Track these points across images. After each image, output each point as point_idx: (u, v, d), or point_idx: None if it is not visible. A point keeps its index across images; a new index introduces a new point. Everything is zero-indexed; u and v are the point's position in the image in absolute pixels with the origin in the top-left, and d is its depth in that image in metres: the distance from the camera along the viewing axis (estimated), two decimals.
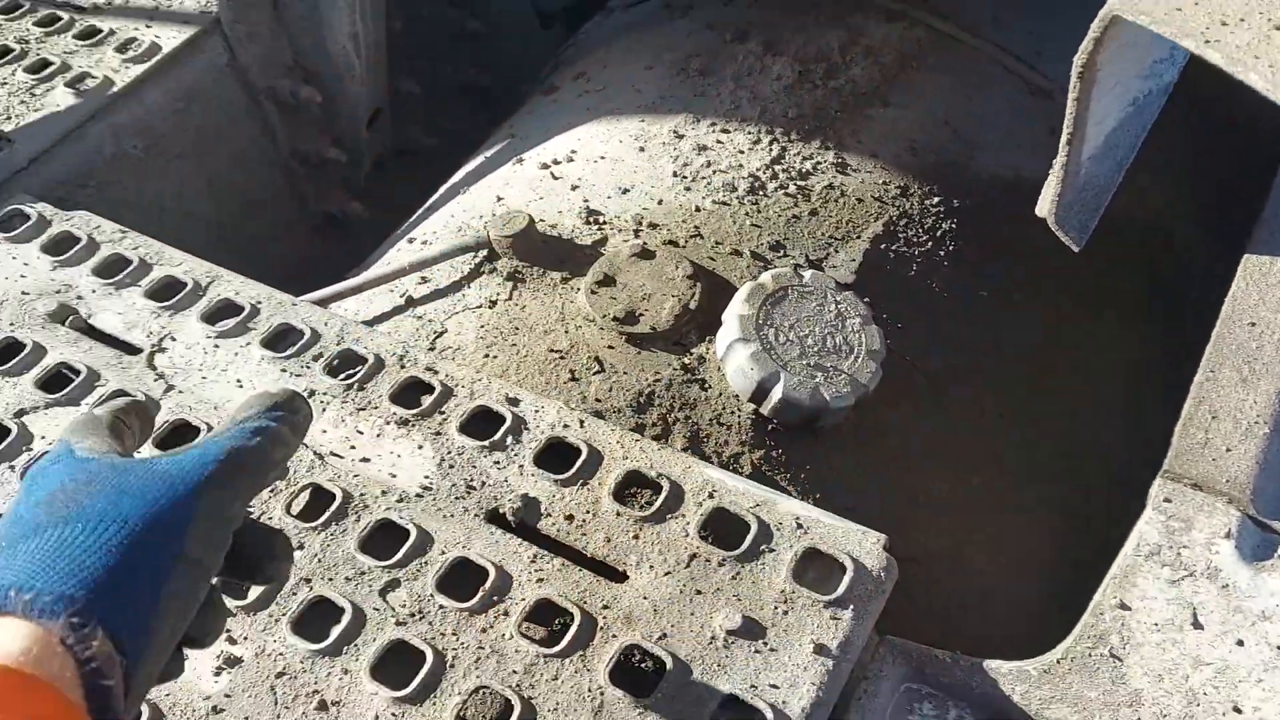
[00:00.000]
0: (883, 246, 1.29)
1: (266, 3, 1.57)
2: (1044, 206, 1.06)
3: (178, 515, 0.61)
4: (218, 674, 0.89)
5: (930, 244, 1.32)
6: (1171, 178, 1.51)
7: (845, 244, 1.29)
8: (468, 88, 2.04)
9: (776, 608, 0.89)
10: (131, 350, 1.15)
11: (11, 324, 1.18)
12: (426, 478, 0.99)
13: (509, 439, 1.01)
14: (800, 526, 0.94)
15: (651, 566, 0.92)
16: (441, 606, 0.90)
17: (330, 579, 0.92)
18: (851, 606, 0.88)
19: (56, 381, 1.12)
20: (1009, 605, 1.20)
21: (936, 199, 1.35)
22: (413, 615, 0.90)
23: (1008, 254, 1.37)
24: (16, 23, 1.61)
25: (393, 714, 0.85)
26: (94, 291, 1.21)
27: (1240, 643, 0.80)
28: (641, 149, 1.38)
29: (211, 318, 1.16)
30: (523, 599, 0.90)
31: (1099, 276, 1.38)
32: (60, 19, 1.60)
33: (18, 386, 1.12)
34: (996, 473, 1.25)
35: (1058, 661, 0.85)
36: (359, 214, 1.79)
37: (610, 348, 1.16)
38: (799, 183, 1.33)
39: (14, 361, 1.14)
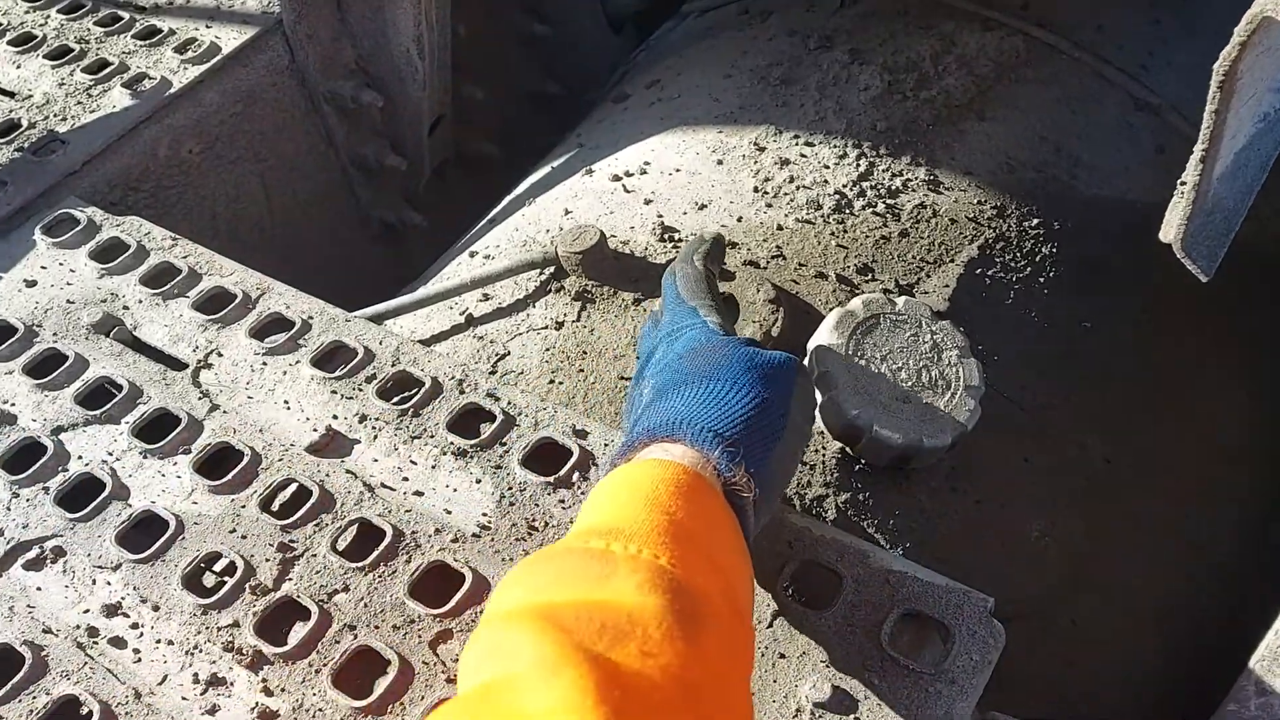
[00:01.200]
0: (978, 271, 1.19)
1: (329, 3, 1.52)
2: (1169, 232, 0.96)
3: (787, 391, 0.80)
4: None
5: (1029, 269, 1.22)
6: None
7: (938, 268, 1.19)
8: (535, 95, 1.97)
9: (870, 677, 0.79)
10: (177, 365, 1.08)
11: (54, 334, 1.13)
12: (485, 515, 0.91)
13: (575, 475, 0.93)
14: (892, 583, 0.85)
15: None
16: None
17: (376, 627, 0.85)
18: (955, 680, 0.79)
19: (97, 396, 1.06)
20: (1125, 664, 1.09)
21: (1035, 220, 1.25)
22: None
23: (1113, 281, 1.26)
24: (77, 22, 1.57)
25: None
26: (140, 302, 1.15)
27: None
28: (720, 162, 1.30)
29: (260, 333, 1.09)
30: None
31: (1215, 309, 1.27)
32: (121, 19, 1.56)
33: (57, 401, 1.06)
34: (1100, 519, 1.14)
35: None
36: (418, 224, 1.72)
37: None
38: (888, 201, 1.24)
39: (55, 374, 1.08)
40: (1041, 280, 1.21)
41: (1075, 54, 1.41)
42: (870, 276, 1.17)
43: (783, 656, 0.81)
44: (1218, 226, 1.00)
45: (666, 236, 1.21)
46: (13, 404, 1.07)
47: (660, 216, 1.23)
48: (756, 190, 1.25)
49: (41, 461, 1.01)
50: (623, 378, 1.07)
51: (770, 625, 0.83)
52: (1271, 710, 0.72)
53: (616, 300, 1.14)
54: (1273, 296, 1.35)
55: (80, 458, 1.01)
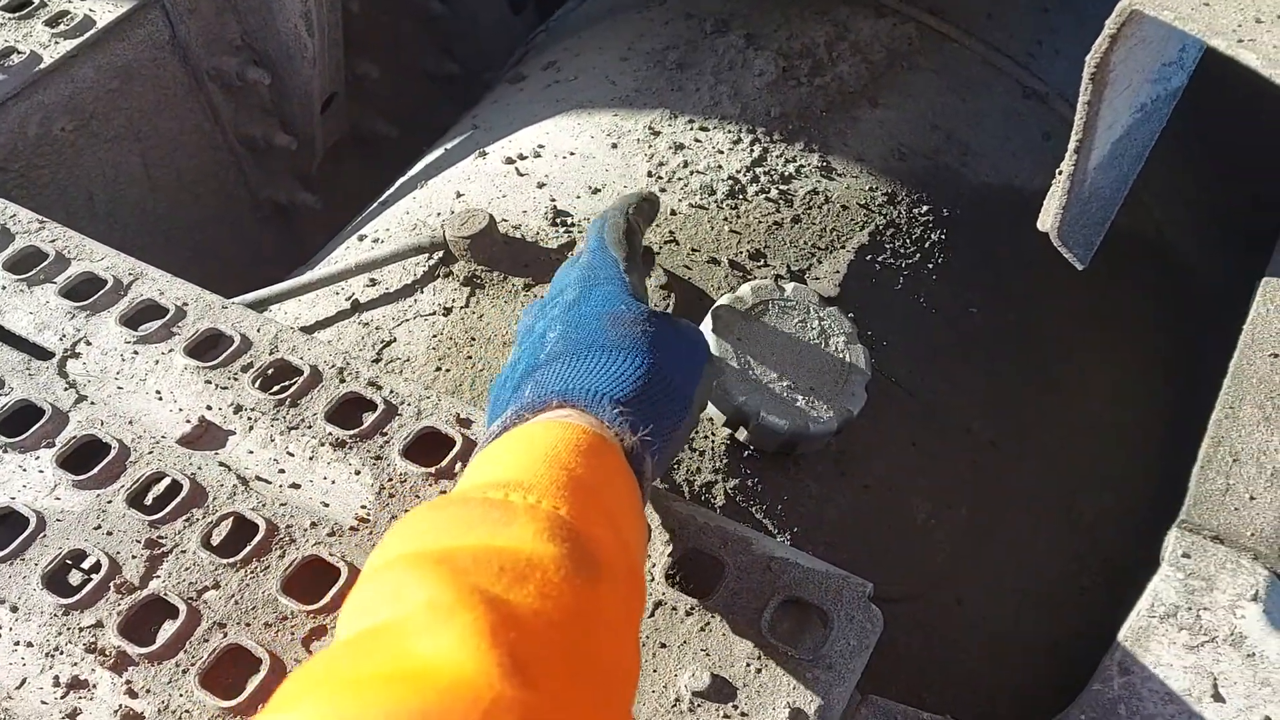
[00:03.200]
0: (868, 258, 1.20)
1: None
2: (1046, 221, 0.97)
3: (693, 373, 0.83)
4: None
5: (918, 256, 1.23)
6: (1178, 191, 1.43)
7: (829, 254, 1.20)
8: (434, 75, 1.93)
9: (749, 665, 0.80)
10: (42, 355, 1.03)
11: None
12: (363, 508, 0.89)
13: (458, 466, 0.91)
14: (775, 570, 0.85)
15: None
16: None
17: (248, 624, 0.82)
18: (832, 665, 0.79)
19: None
20: (1009, 642, 1.12)
21: (926, 207, 1.27)
22: None
23: (1001, 268, 1.28)
24: None
25: None
26: (4, 288, 1.09)
27: (1267, 719, 0.71)
28: (614, 146, 1.29)
29: (132, 321, 1.05)
30: None
31: (1101, 295, 1.30)
32: None
33: None
34: (987, 501, 1.16)
35: None
36: (311, 205, 1.68)
37: None
38: (781, 187, 1.24)
39: None
40: (930, 266, 1.23)
41: (966, 42, 1.43)
42: (763, 262, 1.17)
43: (664, 646, 0.81)
44: (1094, 215, 1.02)
45: (559, 221, 1.19)
46: None
47: (553, 200, 1.22)
48: (650, 175, 1.24)
49: None
50: None
51: (652, 615, 0.83)
52: (1134, 689, 0.74)
53: (506, 286, 1.12)
54: (1157, 281, 1.39)
55: None
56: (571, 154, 1.28)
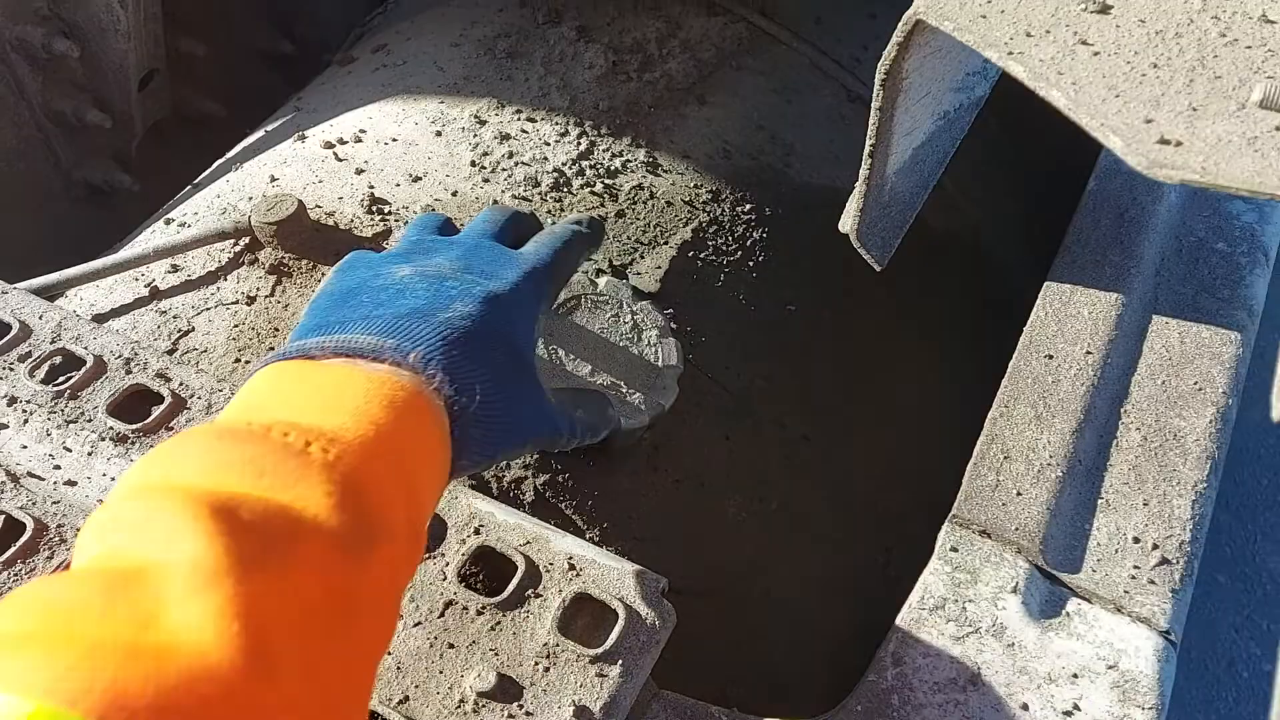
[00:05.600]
0: (691, 254, 1.21)
1: None
2: (846, 223, 1.00)
3: (520, 310, 0.79)
4: None
5: (740, 253, 1.25)
6: (991, 193, 1.49)
7: (652, 249, 1.20)
8: (267, 54, 1.86)
9: (538, 664, 0.79)
10: None
11: None
12: None
13: None
14: (573, 568, 0.85)
15: (400, 615, 0.81)
16: None
17: None
18: (620, 661, 0.79)
19: None
20: (814, 634, 1.14)
21: (749, 206, 1.28)
22: None
23: (819, 267, 1.31)
24: None
25: None
26: None
27: (1025, 706, 0.75)
28: (438, 134, 1.26)
29: None
30: None
31: (915, 295, 1.34)
32: None
33: None
34: (798, 495, 1.19)
35: None
36: (129, 187, 1.60)
37: None
38: (607, 181, 1.24)
39: None
40: (751, 264, 1.25)
41: (794, 44, 1.45)
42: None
43: (452, 646, 0.80)
44: (894, 218, 1.05)
45: (375, 209, 1.16)
46: None
47: (371, 188, 1.19)
48: (474, 164, 1.22)
49: None
50: None
51: (442, 615, 0.81)
52: (906, 679, 0.76)
53: (315, 275, 1.09)
54: (970, 281, 1.45)
55: None
56: (394, 140, 1.25)
